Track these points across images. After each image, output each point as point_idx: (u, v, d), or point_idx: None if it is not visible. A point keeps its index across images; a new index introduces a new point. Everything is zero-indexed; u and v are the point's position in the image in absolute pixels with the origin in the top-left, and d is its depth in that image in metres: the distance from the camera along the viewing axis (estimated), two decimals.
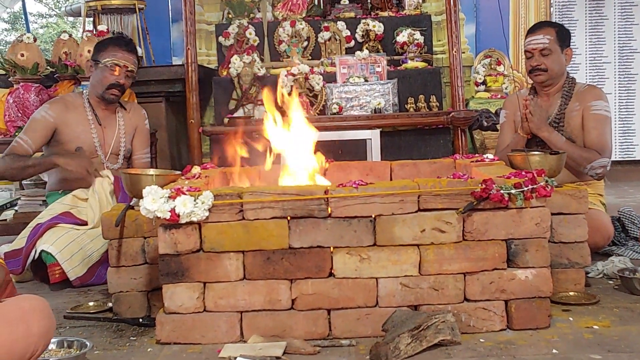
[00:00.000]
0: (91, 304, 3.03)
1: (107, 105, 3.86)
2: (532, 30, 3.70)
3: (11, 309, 1.91)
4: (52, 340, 2.20)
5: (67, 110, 3.80)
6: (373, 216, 2.46)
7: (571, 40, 3.72)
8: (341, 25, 5.79)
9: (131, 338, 2.58)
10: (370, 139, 4.85)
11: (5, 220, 4.79)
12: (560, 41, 3.62)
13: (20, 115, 4.60)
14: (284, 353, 2.30)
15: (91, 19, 6.25)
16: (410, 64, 5.56)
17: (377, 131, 4.90)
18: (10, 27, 21.39)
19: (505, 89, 5.92)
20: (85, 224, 3.51)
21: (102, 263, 3.37)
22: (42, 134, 3.74)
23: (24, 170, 3.70)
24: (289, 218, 2.46)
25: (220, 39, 5.79)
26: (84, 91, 3.92)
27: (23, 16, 14.10)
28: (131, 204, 2.83)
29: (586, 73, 7.27)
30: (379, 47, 5.74)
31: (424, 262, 2.46)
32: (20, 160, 3.66)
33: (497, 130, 4.42)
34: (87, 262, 3.37)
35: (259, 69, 5.34)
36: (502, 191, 2.42)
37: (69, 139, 3.76)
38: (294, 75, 5.25)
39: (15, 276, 3.41)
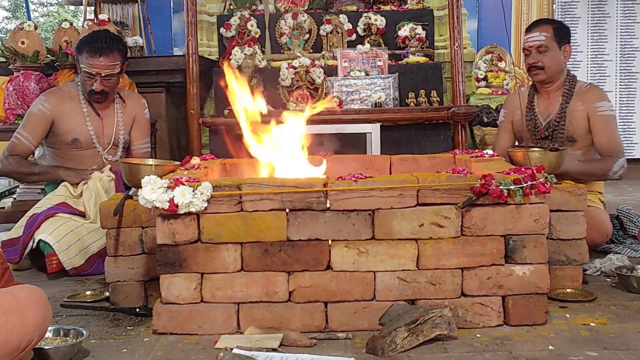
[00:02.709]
0: (88, 293, 3.03)
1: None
2: (529, 28, 3.71)
3: (6, 299, 1.91)
4: (49, 328, 2.19)
5: (63, 101, 3.77)
6: (372, 210, 2.45)
7: (571, 37, 3.71)
8: (343, 18, 5.78)
9: (128, 328, 2.58)
10: (371, 132, 4.86)
11: (4, 208, 4.79)
12: (557, 38, 3.61)
13: (20, 103, 4.59)
14: (281, 345, 2.29)
15: (92, 7, 6.25)
16: (412, 59, 5.56)
17: (377, 125, 4.90)
18: (11, 15, 21.35)
19: (507, 85, 5.92)
20: (83, 214, 3.51)
21: (100, 256, 3.36)
22: (41, 128, 3.72)
23: (28, 176, 3.78)
24: (287, 210, 2.45)
25: (222, 30, 5.78)
26: (79, 82, 3.86)
27: (24, 4, 14.08)
28: (130, 193, 2.82)
29: (587, 70, 7.26)
30: (381, 41, 5.74)
31: (421, 256, 2.45)
32: (25, 165, 3.70)
33: (497, 127, 4.41)
34: (85, 253, 3.37)
35: (260, 61, 5.34)
36: (501, 187, 2.41)
37: (65, 131, 3.74)
38: (294, 68, 5.24)
39: (12, 265, 3.42)
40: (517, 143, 3.84)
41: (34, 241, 3.38)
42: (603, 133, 3.54)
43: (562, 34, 3.64)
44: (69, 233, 3.36)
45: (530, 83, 3.81)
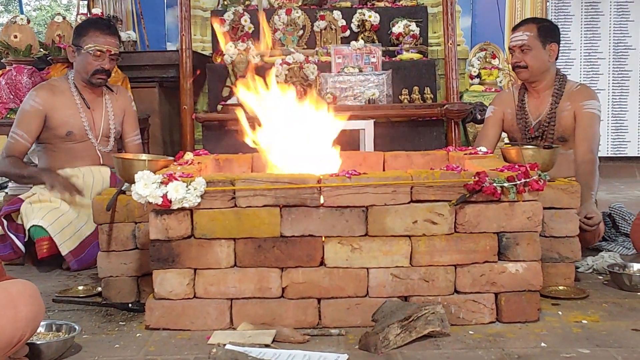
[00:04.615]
0: (80, 288, 3.03)
1: (93, 89, 3.81)
2: (515, 28, 3.73)
3: None
4: (41, 323, 2.19)
5: (54, 95, 3.74)
6: (365, 206, 2.45)
7: (560, 36, 3.71)
8: (337, 14, 5.78)
9: (120, 323, 2.57)
10: (364, 129, 4.85)
11: None
12: (542, 37, 3.60)
13: (12, 97, 4.57)
14: (273, 341, 2.29)
15: (85, 2, 6.23)
16: (405, 55, 5.56)
17: (371, 122, 4.90)
18: (4, 9, 21.24)
19: (500, 82, 5.93)
20: None
21: (93, 241, 3.37)
22: (35, 124, 3.69)
23: (20, 178, 3.78)
24: (281, 206, 2.45)
25: (215, 25, 5.76)
26: (70, 75, 3.85)
27: None
28: (123, 188, 2.82)
29: (580, 69, 7.28)
30: (375, 37, 5.73)
31: (415, 253, 2.46)
32: (17, 166, 3.66)
33: None
34: (78, 236, 3.38)
35: (253, 57, 5.32)
36: (494, 184, 2.42)
37: (58, 124, 3.72)
38: (288, 64, 5.23)
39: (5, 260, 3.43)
40: (507, 141, 3.84)
41: (25, 232, 3.40)
42: (585, 130, 3.54)
43: (547, 33, 3.63)
44: (60, 217, 3.38)
45: (520, 82, 3.81)
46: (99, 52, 3.68)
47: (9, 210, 3.54)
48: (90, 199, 3.33)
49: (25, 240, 3.43)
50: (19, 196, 3.62)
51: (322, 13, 5.78)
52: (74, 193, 3.50)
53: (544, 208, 2.66)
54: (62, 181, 3.53)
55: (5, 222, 3.53)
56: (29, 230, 3.38)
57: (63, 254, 3.34)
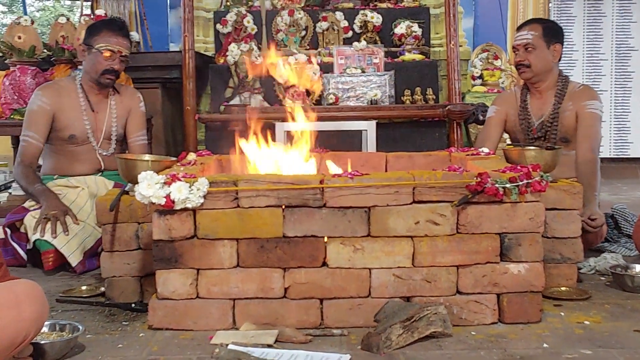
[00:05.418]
0: (84, 288, 3.03)
1: (100, 90, 3.80)
2: (520, 27, 3.74)
3: (3, 294, 1.90)
4: (45, 323, 2.19)
5: (60, 96, 3.73)
6: (368, 207, 2.46)
7: (564, 37, 3.72)
8: (339, 15, 5.78)
9: (123, 323, 2.58)
10: (366, 130, 4.86)
11: None
12: (546, 37, 3.61)
13: (16, 97, 4.59)
14: (276, 341, 2.30)
15: (89, 2, 6.24)
16: (408, 56, 5.56)
17: (373, 122, 4.91)
18: (7, 10, 21.27)
19: (502, 83, 5.93)
20: None
21: (93, 251, 3.38)
22: (45, 124, 3.67)
23: (26, 192, 3.68)
24: (283, 207, 2.45)
25: (218, 26, 5.77)
26: (77, 76, 3.84)
27: None
28: (126, 189, 2.82)
29: (583, 70, 7.28)
30: (377, 38, 5.74)
31: (417, 253, 2.46)
32: (26, 180, 3.59)
33: None
34: (82, 248, 3.37)
35: (256, 58, 5.33)
36: (497, 185, 2.42)
37: (63, 126, 3.71)
38: (290, 64, 5.24)
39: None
40: (509, 142, 3.85)
41: (29, 241, 3.40)
42: (586, 129, 3.54)
43: (551, 33, 3.64)
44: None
45: (523, 82, 3.81)
46: (110, 52, 3.67)
47: (13, 219, 3.53)
48: (93, 210, 3.34)
49: (29, 248, 3.43)
50: (23, 205, 3.61)
51: (324, 14, 5.78)
52: (62, 229, 3.37)
53: (546, 209, 2.66)
54: (54, 218, 3.39)
55: (9, 231, 3.53)
56: (34, 242, 3.37)
57: (73, 265, 3.32)
